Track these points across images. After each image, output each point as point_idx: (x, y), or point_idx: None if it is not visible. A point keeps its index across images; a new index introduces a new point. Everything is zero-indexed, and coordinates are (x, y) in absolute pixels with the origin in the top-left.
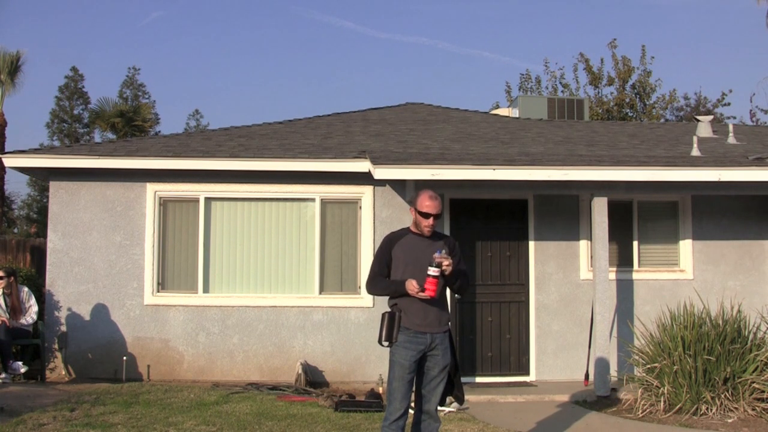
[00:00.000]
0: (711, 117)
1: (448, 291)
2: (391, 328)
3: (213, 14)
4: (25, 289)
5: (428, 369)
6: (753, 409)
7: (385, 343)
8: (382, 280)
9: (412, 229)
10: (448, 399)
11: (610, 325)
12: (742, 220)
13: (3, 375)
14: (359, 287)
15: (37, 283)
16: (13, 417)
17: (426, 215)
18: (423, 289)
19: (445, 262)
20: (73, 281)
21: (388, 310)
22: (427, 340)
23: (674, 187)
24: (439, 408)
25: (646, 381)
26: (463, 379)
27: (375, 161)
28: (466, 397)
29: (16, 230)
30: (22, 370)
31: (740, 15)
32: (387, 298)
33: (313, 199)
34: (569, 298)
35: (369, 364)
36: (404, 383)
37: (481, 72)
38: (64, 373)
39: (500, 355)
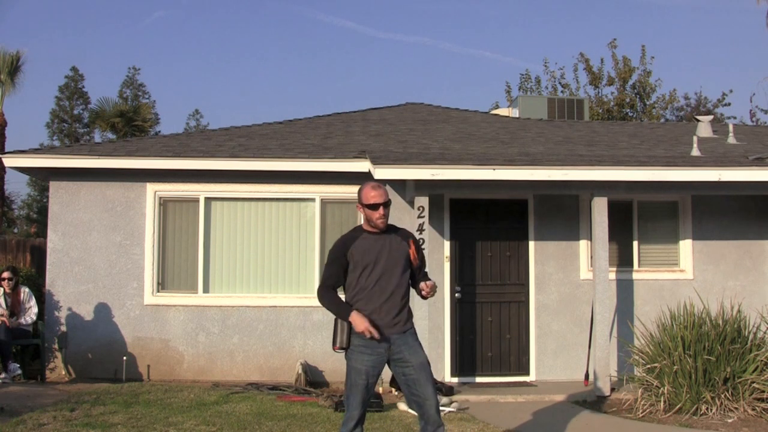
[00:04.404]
0: (711, 117)
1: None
2: (343, 332)
3: (214, 14)
4: (26, 289)
5: (404, 373)
6: (753, 409)
7: (338, 350)
8: (331, 294)
9: (365, 227)
10: (448, 399)
11: (610, 325)
12: (742, 220)
13: (3, 375)
14: None
15: (37, 283)
16: (13, 417)
17: (374, 206)
18: (371, 335)
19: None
20: (73, 281)
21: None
22: (385, 344)
23: (674, 187)
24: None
25: (646, 381)
26: (463, 379)
27: (375, 161)
28: (467, 397)
29: (16, 230)
30: (18, 372)
31: (740, 15)
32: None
33: (313, 199)
34: (569, 298)
35: None
36: (360, 390)
37: (481, 72)
38: (64, 373)
39: (500, 355)
